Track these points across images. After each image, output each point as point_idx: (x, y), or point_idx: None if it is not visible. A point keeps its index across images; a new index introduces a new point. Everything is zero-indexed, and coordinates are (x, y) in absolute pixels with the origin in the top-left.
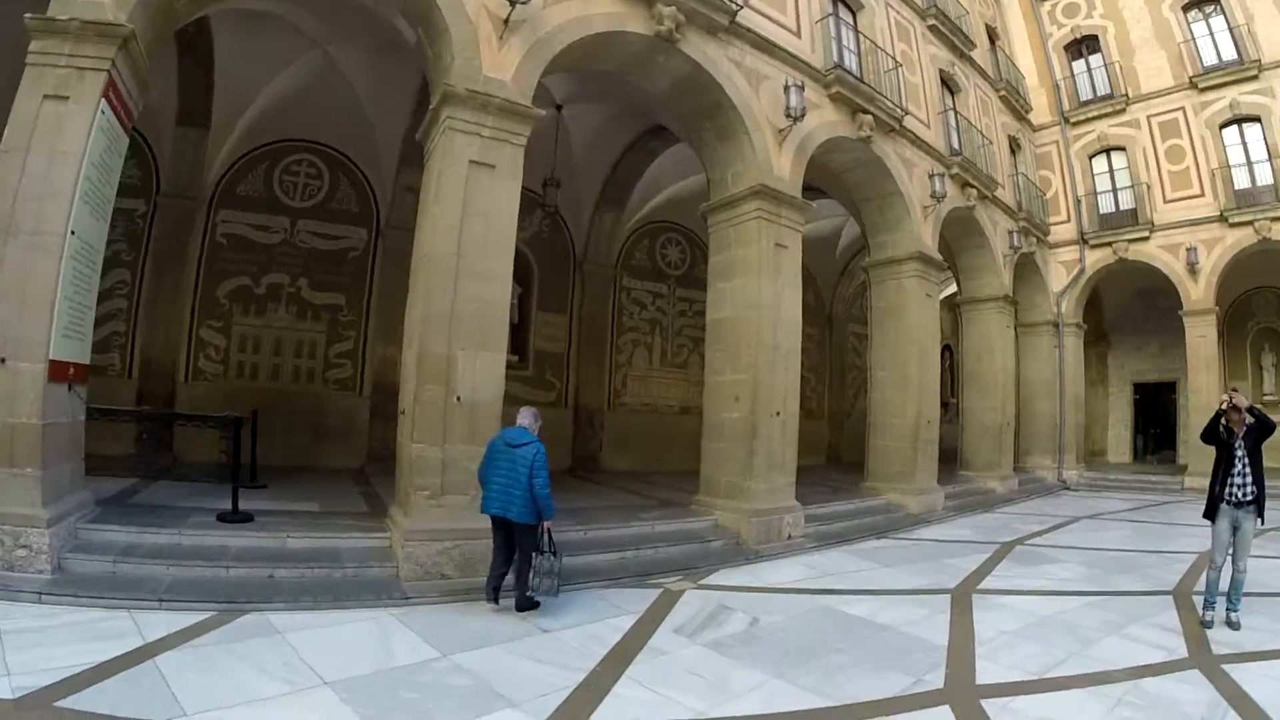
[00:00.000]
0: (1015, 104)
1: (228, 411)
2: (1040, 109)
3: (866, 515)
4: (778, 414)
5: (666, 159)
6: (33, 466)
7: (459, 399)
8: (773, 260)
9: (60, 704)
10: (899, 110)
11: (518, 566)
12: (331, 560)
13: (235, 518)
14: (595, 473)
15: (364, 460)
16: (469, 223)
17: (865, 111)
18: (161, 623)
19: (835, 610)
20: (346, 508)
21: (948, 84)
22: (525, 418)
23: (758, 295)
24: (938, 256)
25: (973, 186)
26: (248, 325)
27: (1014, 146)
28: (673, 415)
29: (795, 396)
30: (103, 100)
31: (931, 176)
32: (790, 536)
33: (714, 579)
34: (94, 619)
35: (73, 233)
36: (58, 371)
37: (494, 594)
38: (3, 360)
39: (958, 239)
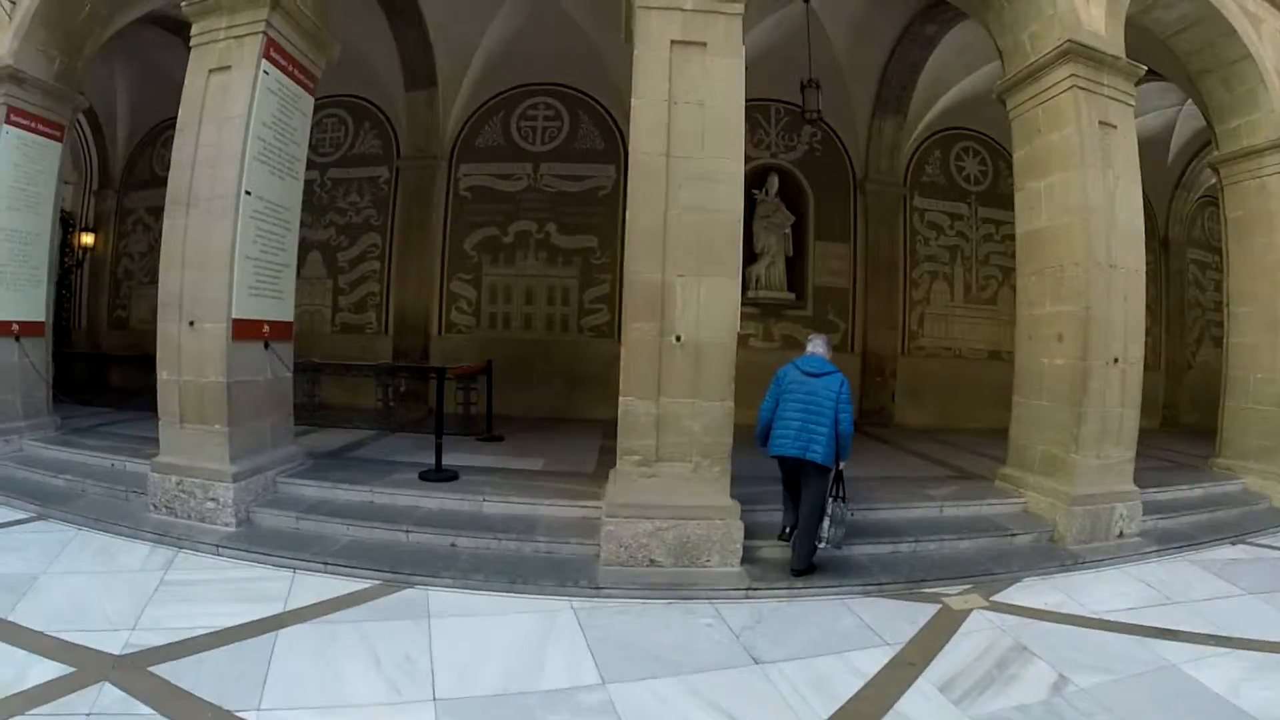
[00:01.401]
0: None
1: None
2: None
3: (1218, 506)
4: (1115, 361)
5: (947, 48)
6: (220, 423)
7: (678, 339)
8: (1099, 145)
9: (154, 668)
10: None
11: (804, 518)
12: (524, 531)
13: (437, 476)
14: (885, 428)
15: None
16: (679, 114)
17: None
18: (316, 588)
19: (1181, 675)
20: (570, 467)
21: None
22: (819, 344)
23: (1082, 194)
24: None
25: None
26: (497, 275)
27: None
28: (979, 361)
29: (1139, 337)
30: (264, 61)
31: None
32: (1122, 534)
33: (1014, 593)
34: (253, 577)
35: (248, 193)
36: (246, 330)
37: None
38: (191, 324)
39: None
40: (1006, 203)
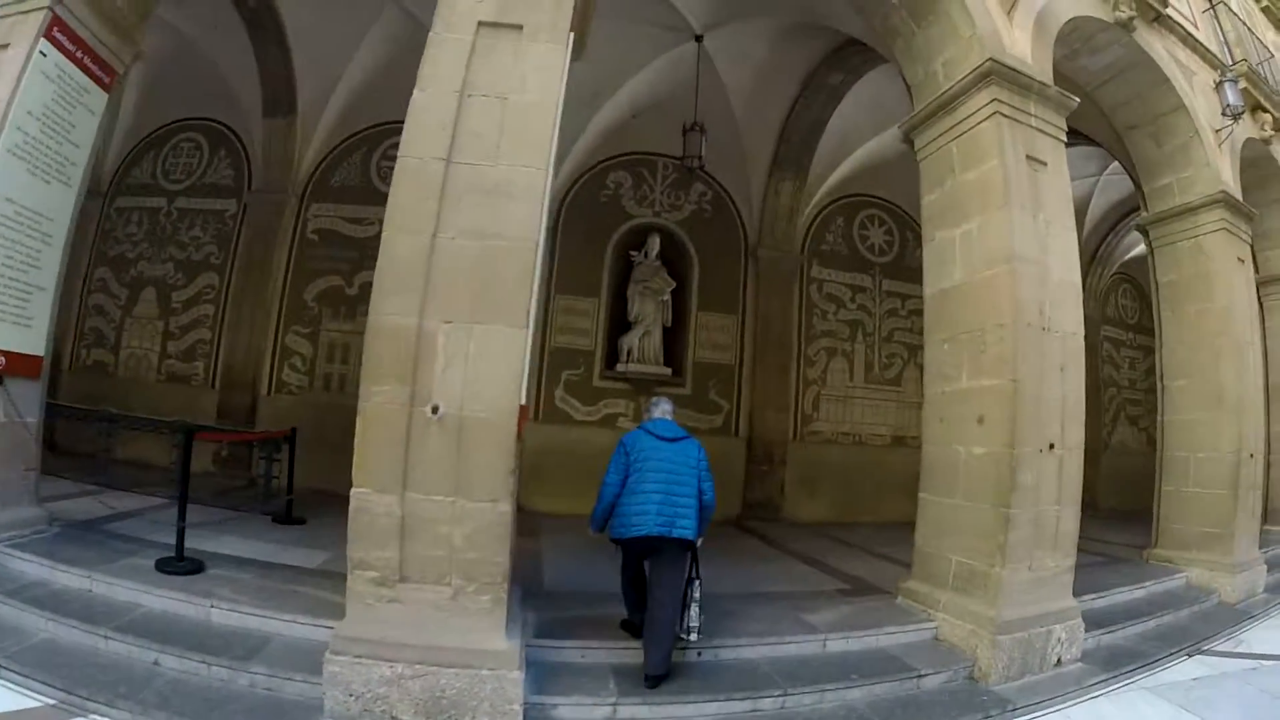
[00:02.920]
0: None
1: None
2: None
3: (1165, 609)
4: (1051, 448)
5: (855, 103)
6: None
7: (435, 410)
8: (1028, 182)
9: None
10: None
11: (663, 609)
12: (245, 655)
13: (177, 566)
14: (772, 523)
15: None
16: (473, 110)
17: None
18: None
19: None
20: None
21: None
22: (667, 407)
23: (1007, 240)
24: (1246, 205)
25: (1266, 111)
26: (337, 331)
27: None
28: (881, 448)
29: (1080, 418)
30: (43, 40)
31: (1221, 84)
32: (1060, 661)
33: None
34: None
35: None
36: None
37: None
38: None
39: (1247, 191)
40: (914, 276)
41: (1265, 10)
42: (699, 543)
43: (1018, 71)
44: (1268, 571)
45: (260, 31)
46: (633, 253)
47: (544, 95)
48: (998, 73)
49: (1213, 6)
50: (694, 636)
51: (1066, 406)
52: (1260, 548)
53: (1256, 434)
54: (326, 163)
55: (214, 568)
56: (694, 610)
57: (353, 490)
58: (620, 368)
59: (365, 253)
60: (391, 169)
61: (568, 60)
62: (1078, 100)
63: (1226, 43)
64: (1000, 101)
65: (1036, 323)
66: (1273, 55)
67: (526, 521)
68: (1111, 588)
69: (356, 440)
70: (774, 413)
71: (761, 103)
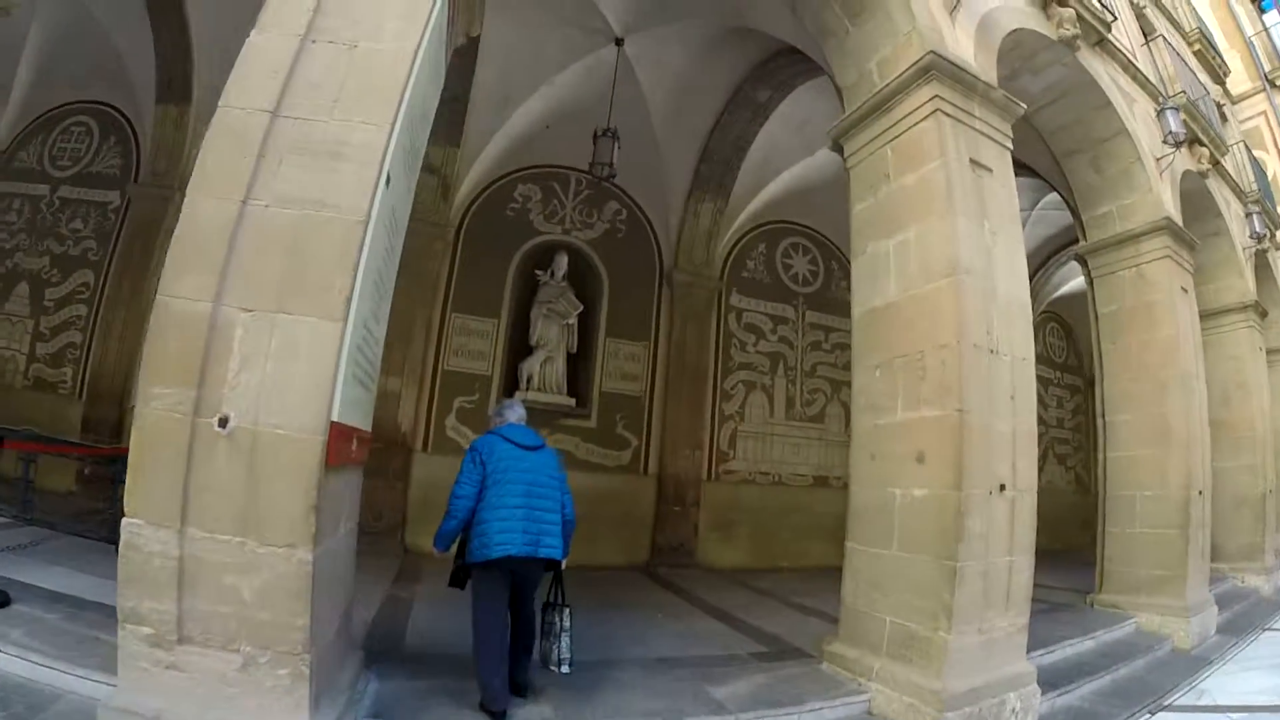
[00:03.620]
0: (1211, 61)
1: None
2: (1237, 75)
3: (1118, 661)
4: (1002, 489)
5: (782, 123)
6: None
7: (224, 422)
8: (972, 187)
9: None
10: (1107, 11)
11: (525, 633)
12: (34, 717)
13: None
14: (684, 570)
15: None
16: (316, 57)
17: (1063, 3)
18: None
19: None
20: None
21: (1139, 19)
22: (521, 410)
23: (952, 249)
24: (1189, 234)
25: (1202, 145)
26: None
27: (1221, 115)
28: (802, 489)
29: (1032, 453)
30: None
31: (1163, 111)
32: None
33: None
34: None
35: None
36: None
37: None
38: None
39: (1185, 224)
40: (839, 308)
41: (1198, 55)
42: (563, 564)
43: (961, 69)
44: (1218, 611)
45: (157, 4)
46: (538, 272)
47: (401, 44)
48: (939, 67)
49: (1148, 42)
50: (566, 669)
51: (1018, 441)
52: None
53: (1204, 470)
54: None
55: (22, 603)
56: (564, 641)
57: (124, 520)
58: (519, 396)
59: None
60: None
61: (437, 10)
62: (1024, 107)
63: (1163, 78)
64: (942, 99)
65: (984, 344)
66: (1207, 92)
67: (410, 565)
68: (1059, 640)
69: (130, 456)
70: (687, 450)
71: (683, 117)
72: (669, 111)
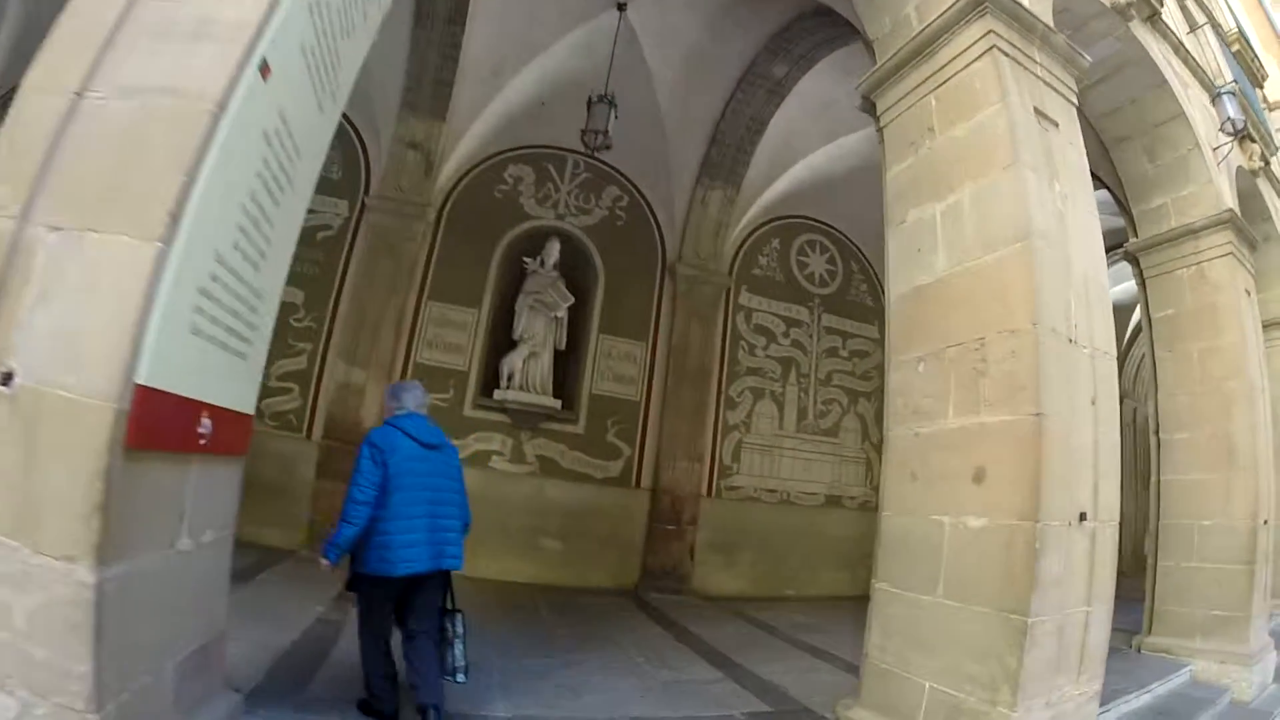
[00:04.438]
0: (1250, 63)
1: None
2: (1275, 81)
3: (1176, 719)
4: (1082, 519)
5: (799, 106)
6: None
7: (7, 380)
8: (1038, 139)
9: None
10: None
11: (427, 650)
12: None
13: None
14: (678, 596)
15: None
16: None
17: None
18: None
19: None
20: None
21: (1183, 9)
22: (419, 394)
23: (1017, 208)
24: (1251, 231)
25: (1254, 140)
26: None
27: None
28: (813, 509)
29: (1115, 473)
30: None
31: (1219, 96)
32: None
33: None
34: None
35: None
36: None
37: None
38: None
39: None
40: (858, 313)
41: (1237, 55)
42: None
43: (1018, 4)
44: (1277, 656)
45: None
46: (527, 260)
47: None
48: (996, 3)
49: (1193, 32)
50: (461, 678)
51: (1101, 456)
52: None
53: (1272, 496)
54: None
55: None
56: (458, 649)
57: None
58: (499, 395)
59: None
60: None
61: None
62: (1088, 59)
63: (1209, 71)
64: (998, 35)
65: (1063, 330)
66: (1256, 88)
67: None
68: (1115, 696)
69: None
70: (686, 462)
71: (692, 94)
72: (676, 87)
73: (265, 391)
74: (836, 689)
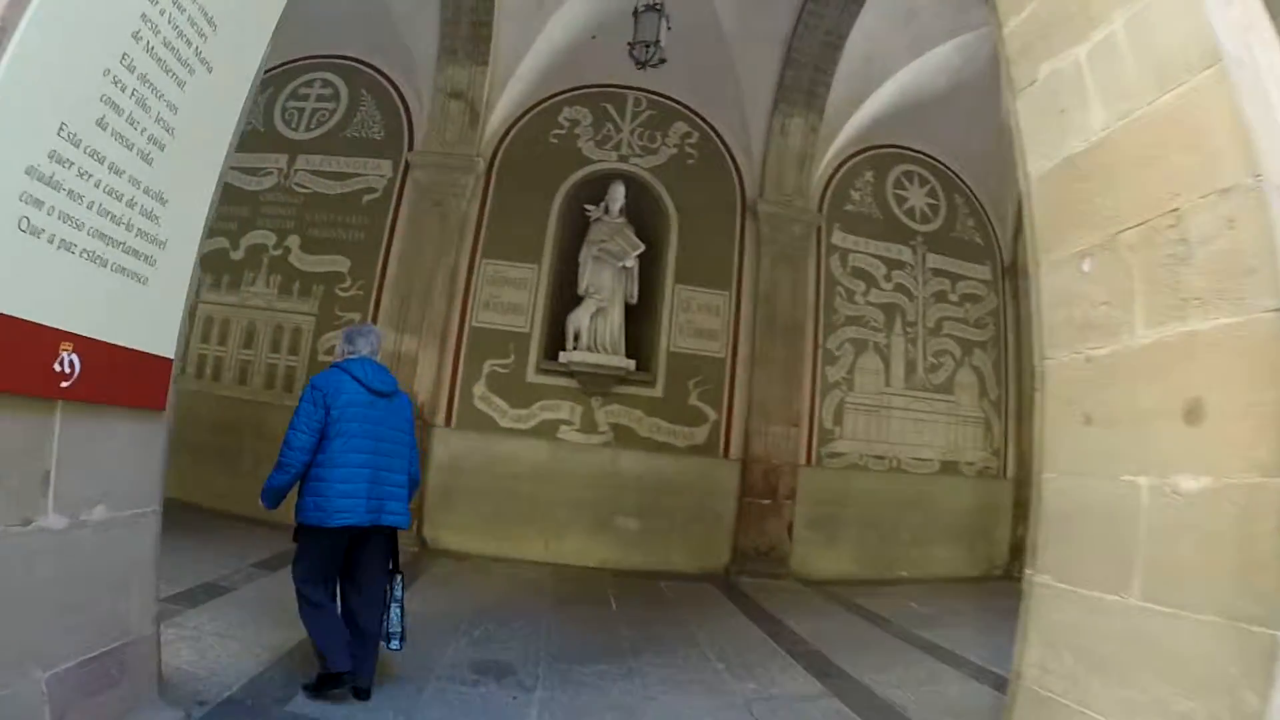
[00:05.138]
0: None
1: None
2: None
3: None
4: None
5: (879, 15)
6: None
7: None
8: None
9: None
10: None
11: (367, 618)
12: None
13: None
14: (774, 581)
15: None
16: None
17: None
18: None
19: None
20: None
21: None
22: (374, 338)
23: (1199, 23)
24: None
25: None
26: (215, 304)
27: None
28: (926, 476)
29: None
30: None
31: None
32: None
33: None
34: None
35: None
36: None
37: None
38: None
39: None
40: (965, 251)
41: None
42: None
43: None
44: None
45: None
46: (589, 207)
47: None
48: None
49: None
50: (395, 645)
51: None
52: None
53: None
54: None
55: None
56: (394, 612)
57: None
58: (564, 357)
59: (258, 208)
60: (297, 109)
61: None
62: None
63: None
64: None
65: None
66: None
67: (423, 563)
68: None
69: None
70: (781, 426)
71: (759, 11)
72: (741, 5)
73: (314, 366)
74: (967, 710)
